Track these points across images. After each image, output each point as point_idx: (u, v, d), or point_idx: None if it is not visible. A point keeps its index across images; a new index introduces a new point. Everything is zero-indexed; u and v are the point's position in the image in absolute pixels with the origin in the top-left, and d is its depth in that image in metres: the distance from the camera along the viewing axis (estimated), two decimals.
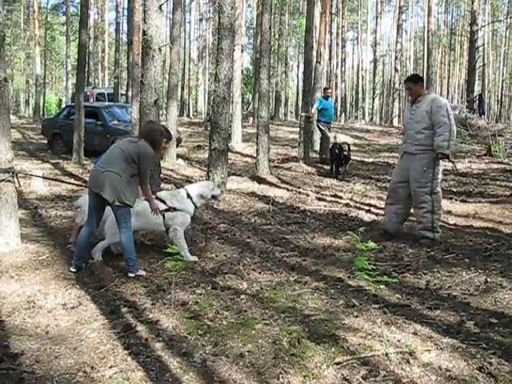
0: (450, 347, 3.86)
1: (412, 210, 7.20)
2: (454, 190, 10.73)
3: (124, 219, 5.62)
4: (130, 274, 5.63)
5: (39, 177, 10.78)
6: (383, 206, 9.18)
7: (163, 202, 6.33)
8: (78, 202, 6.87)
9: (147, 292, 5.21)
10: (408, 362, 3.68)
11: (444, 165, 7.79)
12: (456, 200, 9.63)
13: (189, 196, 6.49)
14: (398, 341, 4.00)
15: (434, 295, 4.99)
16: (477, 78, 38.02)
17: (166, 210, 6.27)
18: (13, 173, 6.51)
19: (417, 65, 63.14)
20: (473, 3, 29.13)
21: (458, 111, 27.27)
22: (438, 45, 57.78)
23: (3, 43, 6.41)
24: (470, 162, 14.86)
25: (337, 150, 12.68)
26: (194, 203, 6.50)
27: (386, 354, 3.76)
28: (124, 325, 4.41)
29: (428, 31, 40.75)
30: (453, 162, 7.63)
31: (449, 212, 8.70)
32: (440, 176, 7.04)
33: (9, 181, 6.46)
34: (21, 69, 60.77)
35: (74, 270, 5.80)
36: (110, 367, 3.70)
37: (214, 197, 6.86)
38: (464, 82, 52.23)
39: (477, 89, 37.66)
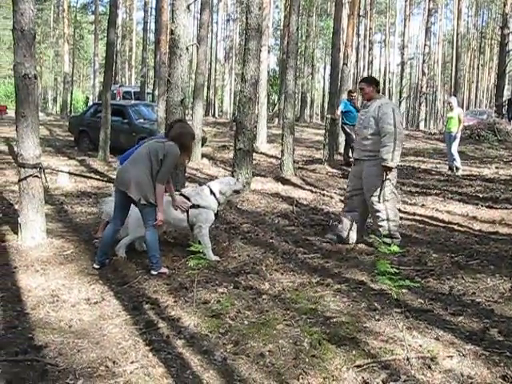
0: (473, 354, 3.82)
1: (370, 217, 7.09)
2: (480, 195, 10.61)
3: (149, 217, 5.66)
4: (153, 272, 5.67)
5: (65, 172, 10.90)
6: (407, 210, 9.17)
7: (187, 198, 6.37)
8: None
9: (169, 290, 5.25)
10: (429, 367, 3.65)
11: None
12: (482, 206, 9.52)
13: (212, 193, 6.52)
14: (420, 346, 3.97)
15: (457, 301, 4.94)
16: (506, 82, 37.62)
17: (191, 207, 6.30)
18: (40, 168, 6.60)
19: (445, 68, 62.64)
20: (504, 6, 28.73)
21: (487, 116, 27.03)
22: (467, 48, 57.22)
23: (34, 41, 6.50)
24: (497, 167, 14.69)
25: None
26: (217, 200, 6.53)
27: (407, 359, 3.74)
28: (146, 321, 4.45)
29: (457, 34, 40.30)
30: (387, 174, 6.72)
31: (474, 218, 8.62)
32: (393, 182, 6.82)
33: (36, 176, 6.56)
34: (49, 66, 61.62)
35: (97, 266, 5.86)
36: (132, 362, 3.74)
37: (236, 191, 6.90)
38: (493, 86, 51.60)
39: (506, 93, 37.18)
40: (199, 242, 6.17)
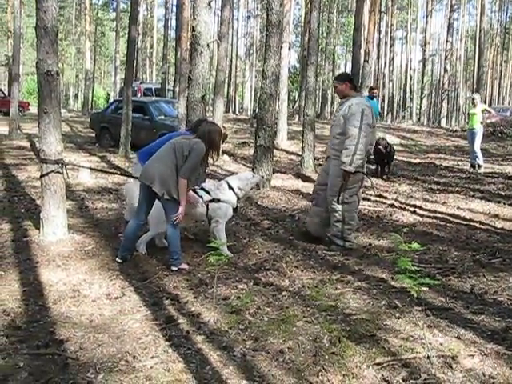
0: (495, 353, 3.78)
1: None
2: (503, 193, 10.49)
3: (172, 213, 5.67)
4: (173, 268, 5.70)
5: (87, 168, 10.97)
6: (429, 208, 9.10)
7: (207, 192, 6.40)
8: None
9: (189, 285, 5.26)
10: (450, 366, 3.62)
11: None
12: (504, 204, 9.41)
13: (230, 187, 6.52)
14: (441, 344, 3.94)
15: (478, 300, 4.90)
16: None
17: (210, 201, 6.32)
18: (62, 164, 6.66)
19: (467, 65, 61.99)
20: None
21: (510, 113, 26.73)
22: (490, 44, 56.54)
23: (56, 38, 6.55)
24: None
25: (380, 149, 12.42)
26: (236, 194, 6.54)
27: (428, 357, 3.71)
28: (166, 317, 4.46)
29: (480, 30, 39.91)
30: (344, 182, 6.48)
31: (496, 216, 8.52)
32: (357, 185, 6.62)
33: (58, 172, 6.61)
34: (71, 63, 62.16)
35: (119, 260, 5.90)
36: (152, 358, 3.76)
37: (255, 185, 6.93)
38: None
39: None
40: (215, 237, 6.20)
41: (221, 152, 15.76)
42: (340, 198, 6.51)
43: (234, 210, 6.58)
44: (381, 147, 12.23)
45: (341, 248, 6.61)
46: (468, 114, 14.79)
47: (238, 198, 6.61)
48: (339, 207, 6.55)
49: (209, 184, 6.81)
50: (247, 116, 36.07)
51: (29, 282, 5.23)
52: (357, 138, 6.27)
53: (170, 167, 5.63)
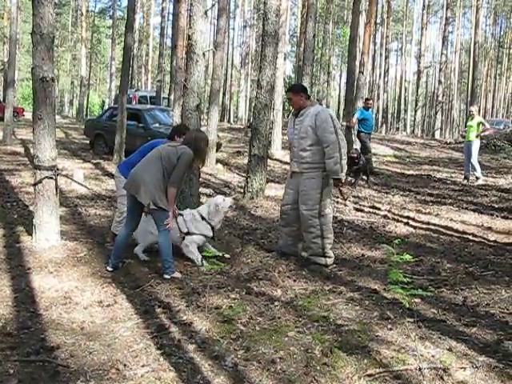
0: (487, 366, 3.77)
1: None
2: (496, 206, 10.53)
3: (161, 221, 5.66)
4: (166, 276, 5.68)
5: (80, 183, 10.97)
6: (422, 219, 9.12)
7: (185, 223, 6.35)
8: None
9: (182, 294, 5.25)
10: (442, 378, 3.61)
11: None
12: (497, 216, 9.45)
13: (203, 218, 6.40)
14: (432, 356, 3.93)
15: (470, 312, 4.89)
16: None
17: (186, 234, 6.27)
18: (56, 171, 6.64)
19: (462, 77, 62.30)
20: None
21: (503, 126, 26.90)
22: (484, 57, 56.90)
23: (52, 45, 6.55)
24: None
25: (354, 157, 12.45)
26: (209, 223, 6.39)
27: (420, 369, 3.70)
28: (158, 325, 4.45)
29: (474, 43, 40.20)
30: (341, 189, 6.23)
31: (489, 228, 8.54)
32: (330, 197, 6.39)
33: (51, 178, 6.60)
34: (67, 70, 62.19)
35: (110, 269, 5.88)
36: (143, 366, 3.74)
37: (228, 208, 6.72)
38: (510, 95, 51.22)
39: None
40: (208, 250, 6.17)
41: (214, 161, 15.79)
42: (317, 211, 6.26)
43: (212, 238, 6.52)
44: (355, 156, 12.35)
45: (322, 267, 6.32)
46: (465, 126, 14.86)
47: (213, 226, 6.45)
48: (317, 221, 6.27)
49: (187, 213, 6.60)
50: (242, 125, 36.11)
51: (20, 288, 5.21)
52: (337, 143, 6.08)
53: (156, 176, 5.59)
